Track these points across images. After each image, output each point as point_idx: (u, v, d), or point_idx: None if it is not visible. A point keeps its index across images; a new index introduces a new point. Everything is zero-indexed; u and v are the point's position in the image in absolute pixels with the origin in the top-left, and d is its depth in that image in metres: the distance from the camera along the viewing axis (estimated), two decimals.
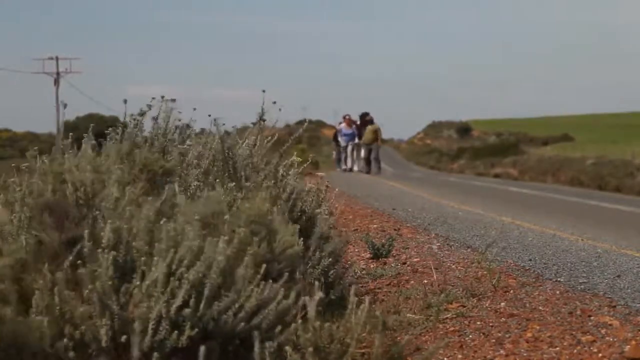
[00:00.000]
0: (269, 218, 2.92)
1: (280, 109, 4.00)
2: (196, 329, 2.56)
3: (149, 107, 3.61)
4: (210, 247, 2.63)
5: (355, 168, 23.88)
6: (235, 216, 2.83)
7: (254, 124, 3.97)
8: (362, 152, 23.70)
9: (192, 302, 2.58)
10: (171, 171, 3.19)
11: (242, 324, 2.63)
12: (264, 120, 3.91)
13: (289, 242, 2.91)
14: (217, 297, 2.63)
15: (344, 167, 24.24)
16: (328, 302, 3.58)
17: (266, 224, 2.87)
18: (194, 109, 4.11)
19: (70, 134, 3.49)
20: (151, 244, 2.66)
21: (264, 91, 3.91)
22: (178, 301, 2.56)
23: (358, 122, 23.96)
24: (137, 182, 3.02)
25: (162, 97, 3.68)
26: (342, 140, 24.23)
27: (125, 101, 3.64)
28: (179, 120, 3.89)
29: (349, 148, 24.16)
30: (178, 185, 3.16)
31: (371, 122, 23.35)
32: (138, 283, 2.58)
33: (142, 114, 3.55)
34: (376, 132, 23.26)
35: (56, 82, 50.29)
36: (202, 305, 2.60)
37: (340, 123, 25.66)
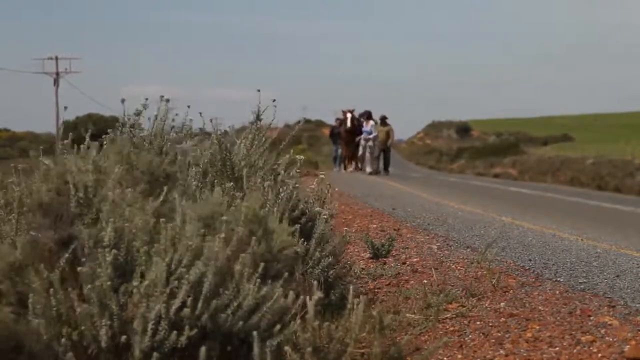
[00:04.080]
0: (265, 217, 2.91)
1: (275, 106, 3.99)
2: (195, 329, 2.56)
3: (144, 106, 3.59)
4: (209, 246, 2.62)
5: (368, 169, 22.57)
6: (233, 216, 2.83)
7: (251, 123, 3.97)
8: (375, 153, 22.67)
9: (189, 301, 2.57)
10: (172, 174, 3.18)
11: (241, 322, 2.62)
12: (260, 120, 3.91)
13: (286, 242, 2.91)
14: (216, 296, 2.62)
15: (368, 169, 22.40)
16: (328, 302, 3.58)
17: (263, 224, 2.87)
18: (200, 113, 4.08)
19: (70, 133, 3.46)
20: (151, 243, 2.66)
21: (259, 90, 3.91)
22: (178, 302, 2.55)
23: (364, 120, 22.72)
24: (138, 184, 3.01)
25: (162, 96, 3.67)
26: (362, 138, 22.40)
27: (123, 100, 3.62)
28: (173, 120, 3.88)
29: (369, 146, 22.41)
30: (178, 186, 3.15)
31: (384, 122, 22.72)
32: (137, 283, 2.57)
33: (138, 113, 3.53)
34: (388, 133, 22.73)
35: (56, 82, 50.20)
36: (199, 304, 2.59)
37: (337, 119, 24.95)
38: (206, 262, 2.60)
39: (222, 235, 2.65)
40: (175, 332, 2.53)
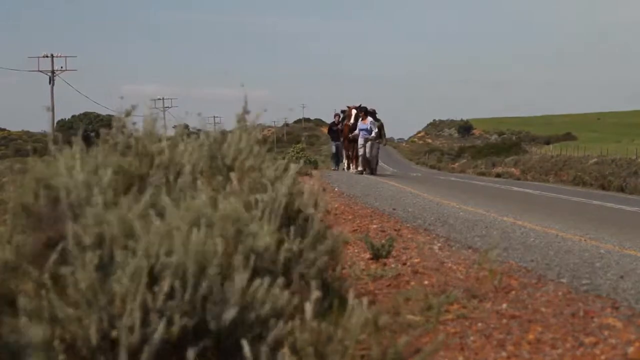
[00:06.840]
0: (249, 217, 2.87)
1: (266, 110, 3.93)
2: (186, 319, 2.50)
3: (133, 107, 3.54)
4: (191, 238, 2.58)
5: (360, 168, 21.36)
6: (215, 215, 2.79)
7: (238, 121, 3.91)
8: (373, 152, 21.24)
9: (177, 284, 2.51)
10: (149, 175, 3.14)
11: (230, 320, 2.57)
12: (247, 112, 3.84)
13: (268, 242, 2.87)
14: (202, 291, 2.57)
15: (360, 168, 21.20)
16: (328, 304, 3.53)
17: (247, 223, 2.83)
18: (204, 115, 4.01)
19: (56, 133, 3.42)
20: (133, 241, 2.62)
21: (242, 85, 3.84)
22: (164, 289, 2.50)
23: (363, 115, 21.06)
24: (121, 185, 2.97)
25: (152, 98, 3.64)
26: (359, 137, 20.79)
27: (121, 98, 3.58)
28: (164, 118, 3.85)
29: (368, 146, 20.77)
30: (162, 185, 3.11)
31: (373, 117, 21.24)
32: (120, 273, 2.52)
33: (128, 114, 3.49)
34: (380, 130, 21.44)
35: (51, 80, 49.97)
36: (186, 295, 2.53)
37: (335, 115, 24.16)
38: (186, 251, 2.55)
39: (203, 232, 2.61)
40: (164, 320, 2.47)
